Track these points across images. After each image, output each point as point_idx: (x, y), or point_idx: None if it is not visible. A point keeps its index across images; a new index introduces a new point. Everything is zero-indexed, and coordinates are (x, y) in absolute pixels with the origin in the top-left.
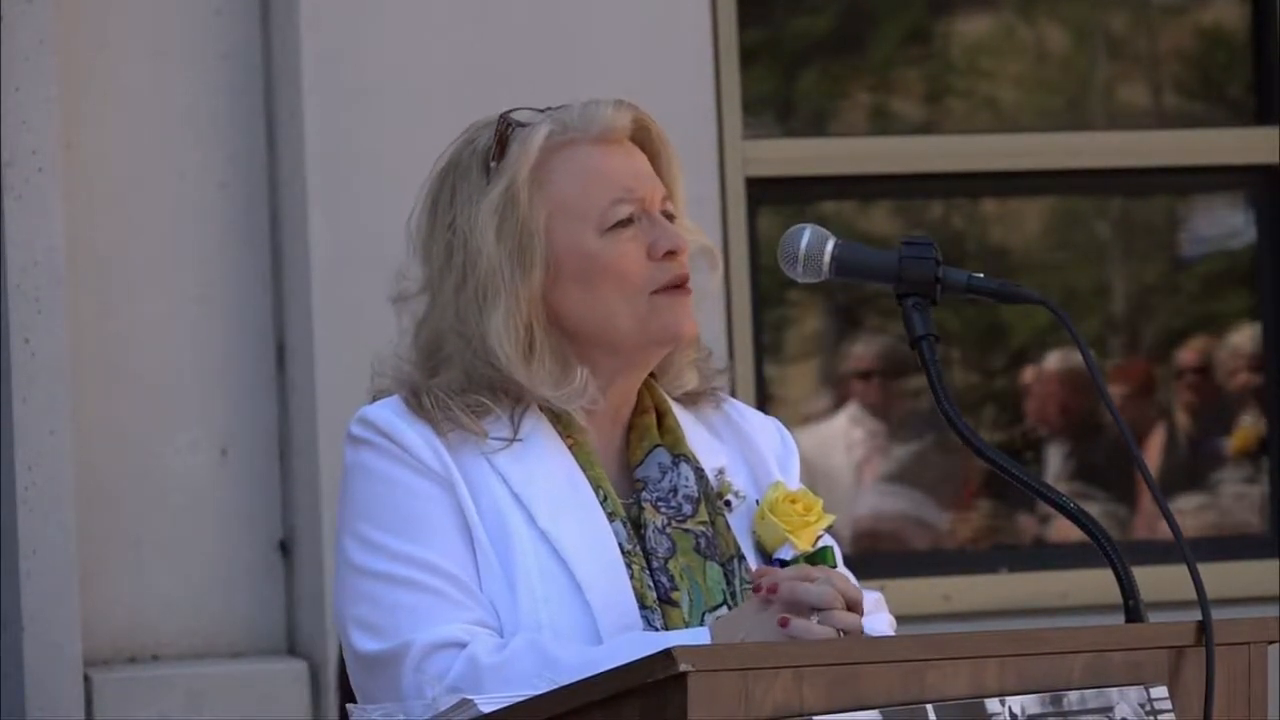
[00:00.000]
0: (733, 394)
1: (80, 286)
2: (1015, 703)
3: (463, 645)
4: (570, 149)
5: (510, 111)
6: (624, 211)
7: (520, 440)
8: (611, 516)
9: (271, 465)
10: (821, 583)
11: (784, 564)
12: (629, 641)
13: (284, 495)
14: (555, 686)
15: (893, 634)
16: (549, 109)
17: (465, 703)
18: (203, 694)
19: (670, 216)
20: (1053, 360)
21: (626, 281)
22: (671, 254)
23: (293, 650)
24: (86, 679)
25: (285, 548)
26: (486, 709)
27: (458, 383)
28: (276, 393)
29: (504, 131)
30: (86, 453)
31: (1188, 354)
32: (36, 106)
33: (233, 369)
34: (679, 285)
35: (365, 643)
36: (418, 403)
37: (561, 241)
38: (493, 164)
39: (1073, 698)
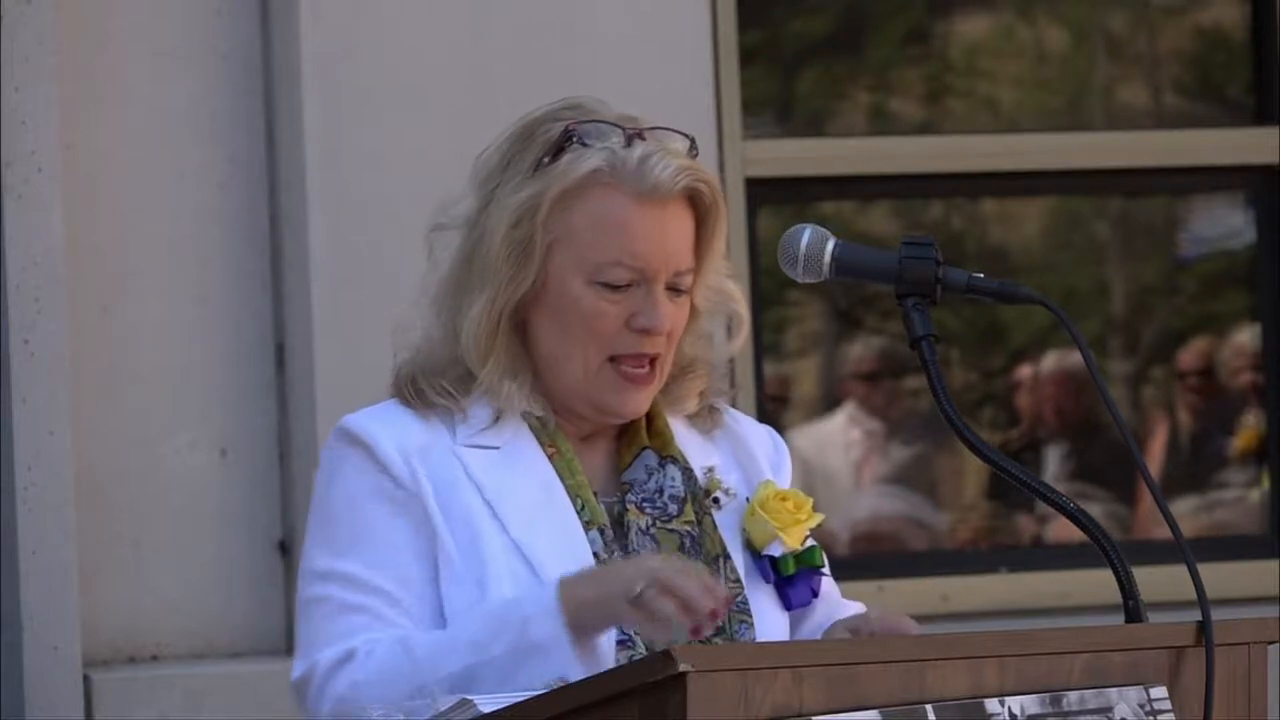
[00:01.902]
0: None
1: (80, 286)
2: (1015, 703)
3: (351, 658)
4: (608, 192)
5: (583, 120)
6: (619, 277)
7: (498, 449)
8: (589, 525)
9: (271, 466)
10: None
11: (773, 561)
12: (479, 614)
13: (284, 496)
14: (422, 674)
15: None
16: (628, 129)
17: (465, 703)
18: (202, 694)
19: (678, 290)
20: (1052, 360)
21: (591, 337)
22: (646, 331)
23: (292, 651)
24: (86, 679)
25: (285, 548)
26: (486, 709)
27: (443, 350)
28: (276, 393)
29: (564, 139)
30: (86, 453)
31: (1187, 354)
32: (36, 106)
33: (233, 369)
34: (638, 362)
35: (293, 670)
36: (400, 393)
37: (555, 269)
38: (545, 159)
39: (1072, 698)
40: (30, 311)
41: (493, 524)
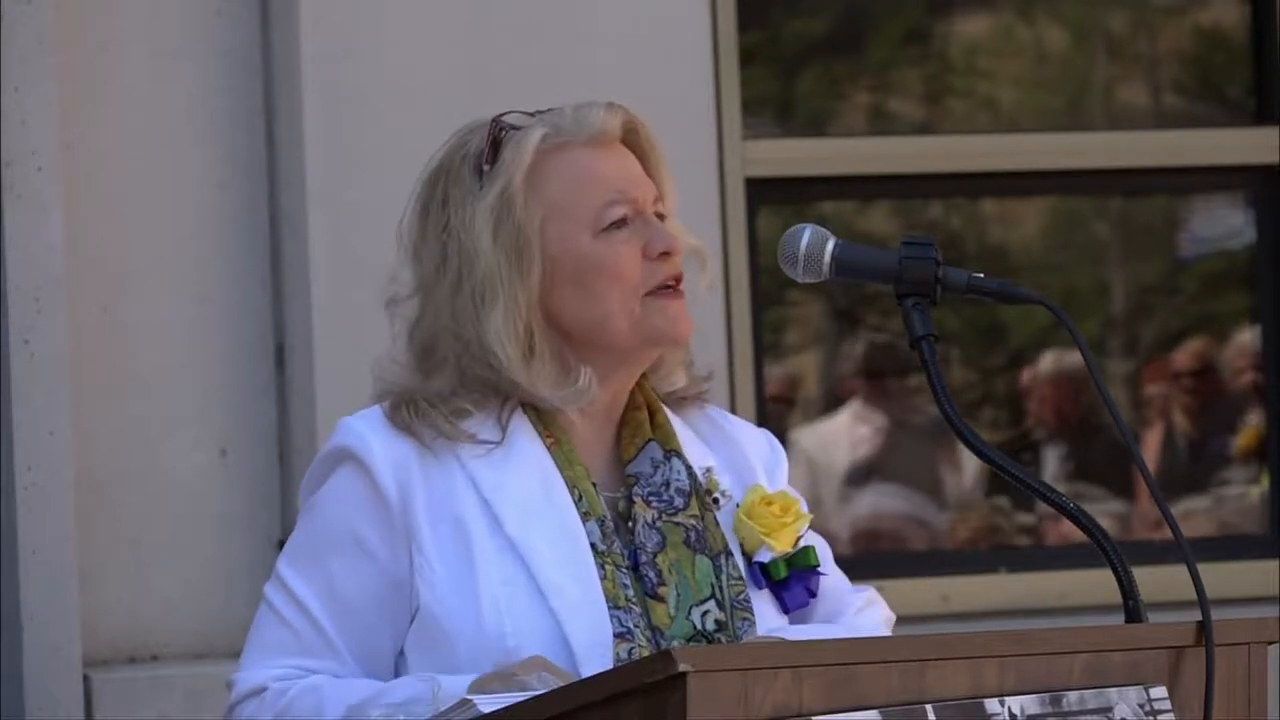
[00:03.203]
0: (732, 394)
1: (80, 286)
2: (1014, 703)
3: (261, 691)
4: (563, 152)
5: (502, 115)
6: (618, 213)
7: (498, 444)
8: (586, 516)
9: (271, 466)
10: None
11: (764, 567)
12: (402, 683)
13: (283, 496)
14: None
15: (888, 632)
16: (539, 112)
17: (465, 703)
18: (203, 694)
19: (661, 217)
20: (1052, 360)
21: (621, 282)
22: (666, 254)
23: None
24: (86, 679)
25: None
26: (486, 709)
27: (450, 385)
28: (276, 393)
29: (497, 135)
30: (86, 453)
31: (1187, 354)
32: (36, 106)
33: (232, 369)
34: (673, 286)
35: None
36: (396, 415)
37: (557, 244)
38: (486, 167)
39: (1072, 698)
40: (30, 311)
41: (487, 524)
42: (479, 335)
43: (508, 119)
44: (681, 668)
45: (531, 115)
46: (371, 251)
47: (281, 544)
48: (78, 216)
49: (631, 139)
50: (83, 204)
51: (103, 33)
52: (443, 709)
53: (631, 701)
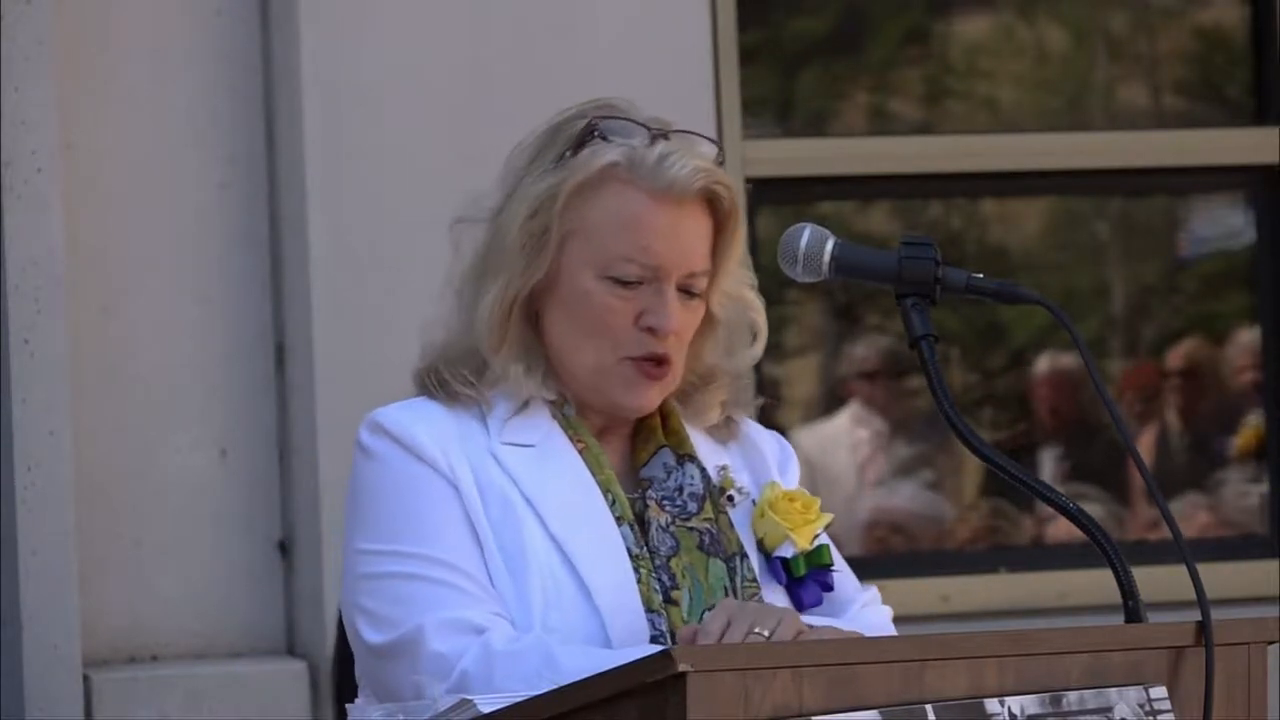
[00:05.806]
0: None
1: (80, 286)
2: (1014, 703)
3: (480, 631)
4: (624, 187)
5: (610, 115)
6: (629, 272)
7: (533, 446)
8: (619, 520)
9: (271, 466)
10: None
11: (785, 562)
12: (632, 652)
13: (283, 495)
14: (554, 688)
15: (892, 630)
16: (651, 128)
17: (464, 703)
18: (202, 694)
19: (691, 292)
20: (1052, 360)
21: (603, 334)
22: (653, 330)
23: (292, 650)
24: (85, 679)
25: (285, 548)
26: (486, 709)
27: (462, 340)
28: (276, 393)
29: (586, 134)
30: (86, 453)
31: (1186, 354)
32: (36, 106)
33: (232, 369)
34: (651, 362)
35: (377, 634)
36: (434, 384)
37: (568, 262)
38: (567, 153)
39: (1072, 698)
40: (30, 311)
41: (533, 519)
42: (478, 298)
43: (607, 125)
44: (681, 668)
45: (645, 127)
46: (371, 251)
47: (282, 544)
48: (78, 216)
49: (714, 203)
50: (83, 204)
51: (103, 33)
52: (442, 709)
53: (631, 701)
